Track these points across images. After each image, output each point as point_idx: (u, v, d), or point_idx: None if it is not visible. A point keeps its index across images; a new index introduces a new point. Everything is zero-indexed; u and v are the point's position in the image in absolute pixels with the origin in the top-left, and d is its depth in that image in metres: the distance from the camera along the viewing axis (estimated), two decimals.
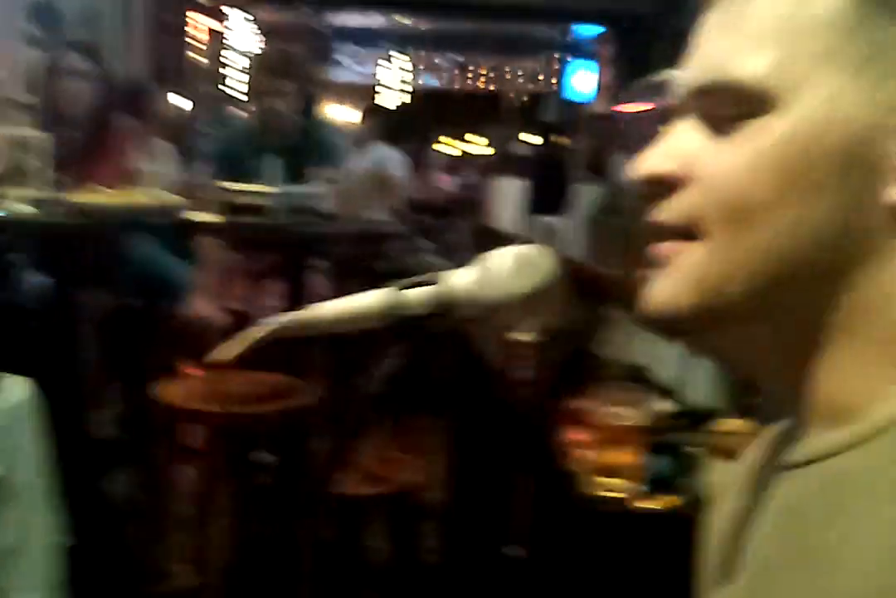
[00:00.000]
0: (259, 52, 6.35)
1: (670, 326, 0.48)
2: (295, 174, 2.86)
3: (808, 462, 0.46)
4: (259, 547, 2.31)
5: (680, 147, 0.47)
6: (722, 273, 0.45)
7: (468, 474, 2.35)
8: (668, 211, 0.47)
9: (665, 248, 0.47)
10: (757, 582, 0.47)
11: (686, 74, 0.48)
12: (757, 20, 0.45)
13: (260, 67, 2.96)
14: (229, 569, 2.25)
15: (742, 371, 0.55)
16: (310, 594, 2.15)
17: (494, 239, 3.55)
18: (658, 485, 1.43)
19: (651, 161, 0.48)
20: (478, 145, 9.14)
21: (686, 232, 0.46)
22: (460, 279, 0.67)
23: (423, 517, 2.25)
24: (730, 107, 0.45)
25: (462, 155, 8.28)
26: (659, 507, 1.37)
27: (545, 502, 1.74)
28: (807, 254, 0.44)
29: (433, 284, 0.68)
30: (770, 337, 0.47)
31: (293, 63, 2.95)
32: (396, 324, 0.69)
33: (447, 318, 0.68)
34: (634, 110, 2.30)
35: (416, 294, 0.68)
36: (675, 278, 0.47)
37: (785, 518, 0.46)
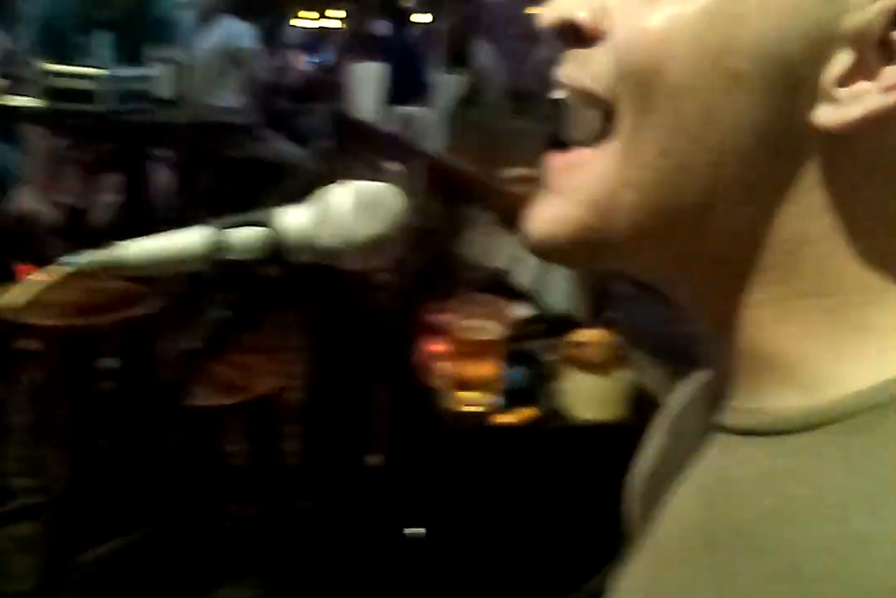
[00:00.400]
0: None
1: (552, 254, 0.42)
2: (129, 53, 2.58)
3: (749, 432, 0.40)
4: (107, 458, 2.24)
5: None
6: (617, 180, 0.39)
7: (328, 378, 2.32)
8: (577, 69, 0.41)
9: (561, 159, 0.41)
10: (668, 552, 0.43)
11: None
12: None
13: None
14: (74, 482, 2.16)
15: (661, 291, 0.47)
16: (165, 503, 2.10)
17: (352, 128, 3.38)
18: (515, 396, 1.42)
19: (561, 5, 0.41)
20: (337, 20, 8.64)
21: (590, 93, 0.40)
22: (294, 220, 0.57)
23: (282, 421, 2.21)
24: None
25: (320, 31, 7.81)
26: (515, 421, 1.36)
27: (404, 413, 1.73)
28: (718, 157, 0.38)
29: (263, 224, 0.58)
30: (678, 269, 0.42)
31: None
32: (222, 269, 0.60)
33: (280, 263, 0.59)
34: None
35: (243, 236, 0.58)
36: (563, 201, 0.41)
37: (713, 490, 0.41)
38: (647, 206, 0.39)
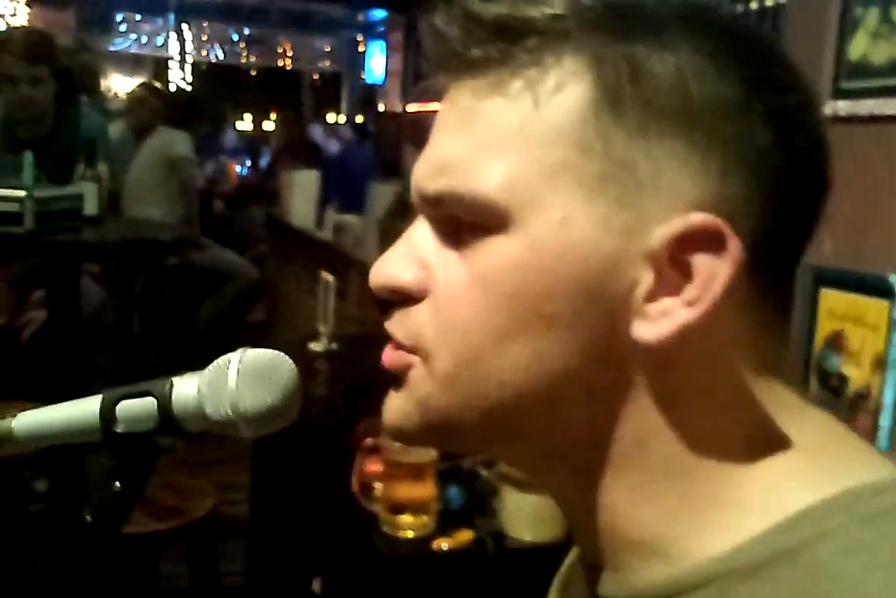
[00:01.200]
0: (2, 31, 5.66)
1: (406, 441, 0.47)
2: (57, 171, 2.58)
3: None
4: (42, 582, 2.12)
5: (418, 253, 0.44)
6: (453, 401, 0.42)
7: (269, 491, 2.25)
8: (401, 324, 0.44)
9: (394, 357, 0.45)
10: None
11: (416, 174, 0.44)
12: (487, 130, 0.41)
13: (1, 50, 2.61)
14: None
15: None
16: None
17: (286, 233, 3.41)
18: (452, 518, 1.39)
19: (387, 269, 0.44)
20: (274, 126, 8.84)
21: (413, 349, 0.43)
22: (184, 390, 0.56)
23: (224, 539, 2.13)
24: (463, 217, 0.42)
25: (255, 137, 7.97)
26: (452, 544, 1.32)
27: (341, 536, 1.67)
28: (551, 384, 0.41)
29: (153, 394, 0.56)
30: (527, 460, 0.45)
31: (45, 45, 2.63)
32: (113, 440, 0.57)
33: (175, 432, 0.57)
34: (423, 110, 2.24)
35: (133, 409, 0.56)
36: (406, 398, 0.44)
37: None
38: (491, 421, 0.42)
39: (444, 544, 1.32)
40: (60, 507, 2.29)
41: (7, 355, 2.57)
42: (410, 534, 1.35)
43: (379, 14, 7.14)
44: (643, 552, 0.42)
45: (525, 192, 0.40)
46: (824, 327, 1.29)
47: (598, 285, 0.39)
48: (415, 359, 0.43)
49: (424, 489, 1.37)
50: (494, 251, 0.40)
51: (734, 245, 0.38)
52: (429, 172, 0.43)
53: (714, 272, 0.39)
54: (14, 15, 6.67)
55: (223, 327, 4.01)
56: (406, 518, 1.36)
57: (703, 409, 0.41)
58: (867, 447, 0.43)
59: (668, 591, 0.40)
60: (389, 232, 2.24)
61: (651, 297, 0.39)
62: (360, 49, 8.11)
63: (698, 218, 0.39)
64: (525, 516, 1.35)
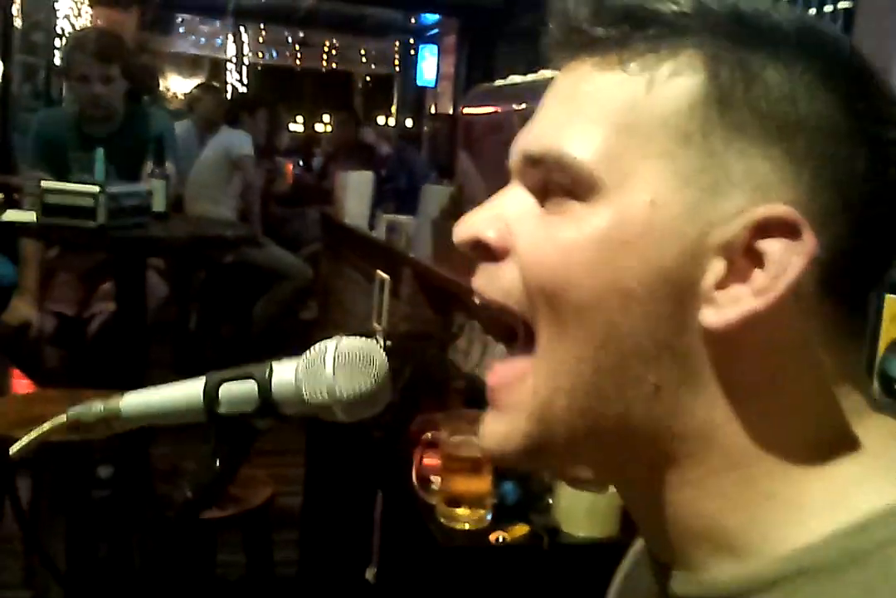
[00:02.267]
0: (75, 30, 5.81)
1: (506, 464, 0.50)
2: (125, 168, 2.67)
3: None
4: (100, 566, 2.20)
5: (503, 214, 0.46)
6: (548, 388, 0.44)
7: (324, 483, 2.30)
8: (488, 281, 0.46)
9: (506, 373, 0.47)
10: None
11: (522, 138, 0.46)
12: (597, 102, 0.43)
13: (76, 49, 2.71)
14: (71, 594, 2.12)
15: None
16: None
17: (339, 233, 3.46)
18: (507, 512, 1.41)
19: (471, 224, 0.46)
20: (328, 127, 8.95)
21: (512, 321, 0.46)
22: (283, 376, 0.60)
23: (278, 529, 2.19)
24: (557, 182, 0.44)
25: (310, 137, 8.07)
26: (507, 538, 1.35)
27: (398, 527, 1.71)
28: (624, 364, 0.42)
29: (254, 377, 0.60)
30: (607, 463, 0.47)
31: (116, 45, 2.72)
32: (219, 421, 0.62)
33: (274, 415, 0.61)
34: (476, 112, 2.28)
35: (235, 390, 0.61)
36: (506, 420, 0.46)
37: None
38: (577, 408, 0.44)
39: (501, 536, 1.35)
40: (124, 494, 2.37)
41: (75, 346, 2.66)
42: (467, 526, 1.39)
43: (431, 18, 7.19)
44: (711, 546, 0.43)
45: (620, 167, 0.42)
46: (888, 333, 1.29)
47: (674, 269, 0.41)
48: (517, 369, 0.45)
49: (481, 483, 1.40)
50: (580, 219, 0.42)
51: (810, 238, 0.40)
52: (535, 135, 0.45)
53: (786, 263, 0.40)
54: (78, 15, 6.85)
55: (277, 324, 4.09)
56: (463, 511, 1.40)
57: (769, 406, 0.42)
58: None
59: (741, 589, 0.42)
60: (442, 232, 2.28)
61: (721, 284, 0.41)
62: (412, 52, 8.18)
63: (779, 208, 0.40)
64: (579, 511, 1.37)
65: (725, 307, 0.41)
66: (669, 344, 0.42)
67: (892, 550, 0.39)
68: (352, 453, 2.03)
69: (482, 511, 1.40)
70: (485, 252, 0.45)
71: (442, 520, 1.40)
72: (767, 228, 0.40)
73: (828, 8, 2.55)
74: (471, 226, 0.46)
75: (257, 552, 2.08)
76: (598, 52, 0.44)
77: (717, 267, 0.41)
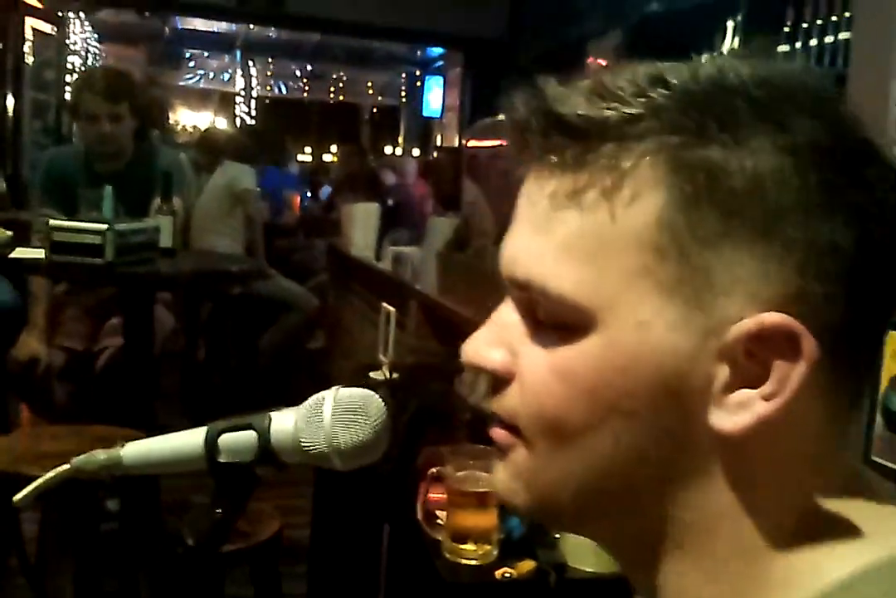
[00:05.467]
0: (84, 69, 5.91)
1: (516, 512, 0.50)
2: (133, 204, 2.70)
3: None
4: None
5: (505, 335, 0.46)
6: (549, 480, 0.45)
7: (331, 515, 2.29)
8: (498, 403, 0.46)
9: (500, 435, 0.47)
10: None
11: (506, 255, 0.46)
12: (567, 231, 0.42)
13: (84, 88, 2.74)
14: None
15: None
16: None
17: (346, 264, 3.49)
18: (514, 548, 1.41)
19: (477, 349, 0.46)
20: (335, 159, 9.04)
21: (514, 428, 0.46)
22: (282, 425, 0.61)
23: (286, 561, 2.18)
24: (546, 310, 0.44)
25: (317, 167, 8.14)
26: (514, 574, 1.35)
27: (403, 562, 1.71)
28: (632, 471, 0.43)
29: (253, 427, 0.61)
30: (612, 540, 0.48)
31: (125, 84, 2.76)
32: (219, 469, 0.63)
33: (274, 463, 0.62)
34: (480, 145, 2.31)
35: (235, 441, 0.62)
36: (510, 474, 0.47)
37: None
38: (583, 500, 0.45)
39: (507, 572, 1.35)
40: (132, 527, 2.36)
41: (84, 381, 2.68)
42: (474, 562, 1.38)
43: (437, 50, 7.29)
44: None
45: (602, 294, 0.41)
46: (890, 369, 1.30)
47: (675, 383, 0.41)
48: (517, 441, 0.45)
49: (487, 518, 1.40)
50: (575, 347, 0.42)
51: (808, 346, 0.39)
52: (514, 258, 0.45)
53: (790, 370, 0.40)
54: (88, 51, 6.96)
55: (284, 355, 4.10)
56: (469, 547, 1.39)
57: (773, 493, 0.42)
58: None
59: None
60: (447, 264, 2.29)
61: (728, 388, 0.41)
62: (418, 84, 8.28)
63: (772, 318, 0.39)
64: (587, 547, 1.37)
65: (736, 412, 0.41)
66: (679, 448, 0.42)
67: None
68: (359, 486, 2.03)
69: (488, 547, 1.40)
70: (493, 376, 0.46)
71: (448, 555, 1.40)
72: (764, 337, 0.40)
73: (828, 39, 2.57)
74: (477, 350, 0.46)
75: (266, 585, 2.07)
76: (558, 173, 0.43)
77: (721, 373, 0.41)
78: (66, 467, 0.67)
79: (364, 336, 3.18)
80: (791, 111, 0.41)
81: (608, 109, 0.41)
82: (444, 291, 2.31)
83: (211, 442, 0.62)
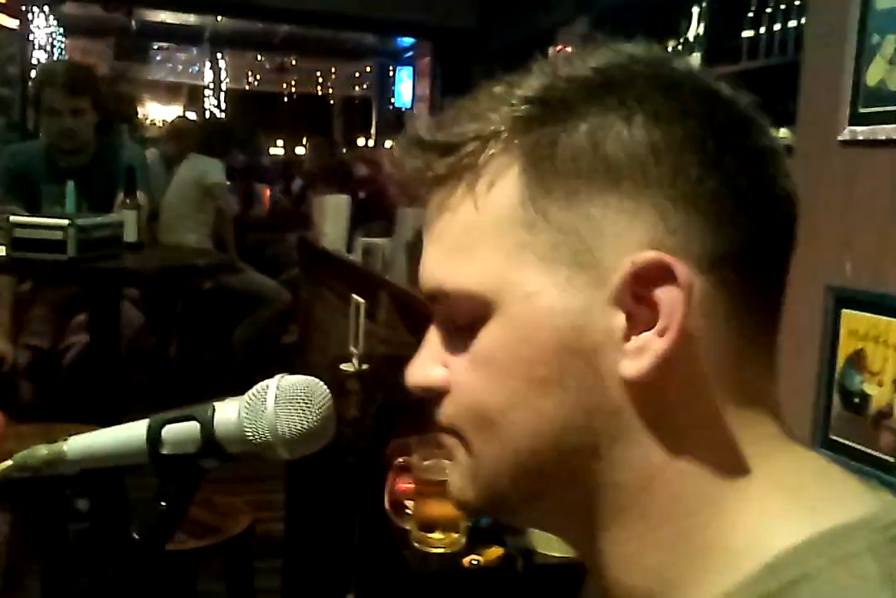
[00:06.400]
0: (43, 63, 5.81)
1: (473, 514, 0.53)
2: (98, 199, 2.67)
3: None
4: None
5: (437, 353, 0.49)
6: (488, 471, 0.47)
7: (303, 509, 2.29)
8: (439, 412, 0.49)
9: (446, 441, 0.50)
10: None
11: (420, 277, 0.50)
12: (450, 233, 0.47)
13: (45, 82, 2.70)
14: None
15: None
16: None
17: (318, 257, 3.47)
18: (481, 535, 1.41)
19: (414, 374, 0.50)
20: (305, 150, 8.98)
21: (455, 433, 0.49)
22: (225, 415, 0.60)
23: (260, 556, 2.17)
24: (458, 312, 0.47)
25: (290, 160, 8.09)
26: (482, 561, 1.35)
27: (373, 552, 1.70)
28: (559, 440, 0.44)
29: (196, 418, 0.61)
30: (560, 522, 0.49)
31: (86, 78, 2.72)
32: (163, 461, 0.62)
33: (218, 455, 0.61)
34: None
35: (178, 432, 0.61)
36: (457, 475, 0.49)
37: None
38: (523, 483, 0.47)
39: (475, 559, 1.35)
40: (102, 526, 2.34)
41: (50, 379, 2.65)
42: (441, 551, 1.38)
43: (407, 41, 7.26)
44: None
45: (491, 279, 0.44)
46: (846, 347, 1.31)
47: (577, 341, 0.43)
48: (458, 443, 0.48)
49: (451, 506, 1.40)
50: (486, 335, 0.45)
51: (682, 272, 0.41)
52: (422, 274, 0.49)
53: (675, 300, 0.42)
54: (53, 46, 6.86)
55: (257, 349, 4.08)
56: (437, 535, 1.39)
57: (694, 445, 0.43)
58: (850, 482, 0.44)
59: None
60: (417, 255, 2.29)
61: (627, 336, 0.43)
62: (390, 74, 8.24)
63: (643, 256, 0.42)
64: None
65: (638, 356, 0.42)
66: (598, 407, 0.43)
67: (800, 590, 0.39)
68: (331, 479, 2.02)
69: (456, 535, 1.40)
70: (435, 392, 0.49)
71: (416, 545, 1.40)
72: (644, 276, 0.42)
73: (791, 23, 2.60)
74: (414, 373, 0.50)
75: (239, 580, 2.06)
76: (441, 187, 0.47)
77: (618, 322, 0.43)
78: (7, 462, 0.65)
79: (336, 328, 3.17)
80: (627, 87, 0.44)
81: (469, 124, 0.46)
82: (414, 282, 2.30)
83: (153, 434, 0.61)
